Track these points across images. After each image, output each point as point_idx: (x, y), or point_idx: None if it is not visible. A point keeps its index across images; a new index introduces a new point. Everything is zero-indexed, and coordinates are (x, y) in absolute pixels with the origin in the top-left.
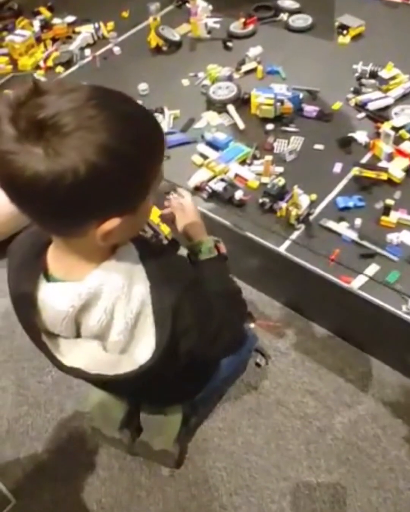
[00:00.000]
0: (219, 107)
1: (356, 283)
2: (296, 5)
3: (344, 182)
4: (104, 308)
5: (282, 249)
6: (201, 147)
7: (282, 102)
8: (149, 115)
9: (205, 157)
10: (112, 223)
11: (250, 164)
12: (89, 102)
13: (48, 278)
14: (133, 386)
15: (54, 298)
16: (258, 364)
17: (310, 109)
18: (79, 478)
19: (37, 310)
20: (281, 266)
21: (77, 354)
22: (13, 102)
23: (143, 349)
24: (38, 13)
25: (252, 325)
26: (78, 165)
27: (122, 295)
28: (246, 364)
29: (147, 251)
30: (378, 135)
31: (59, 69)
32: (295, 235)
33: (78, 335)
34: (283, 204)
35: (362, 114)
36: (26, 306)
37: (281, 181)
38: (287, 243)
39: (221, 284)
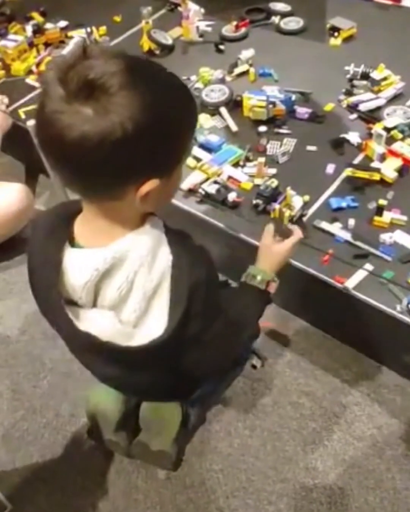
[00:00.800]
0: (212, 109)
1: (350, 283)
2: (288, 8)
3: (337, 183)
4: (126, 275)
5: None
6: (195, 150)
7: (274, 104)
8: (184, 84)
9: (198, 159)
10: (152, 184)
11: (243, 166)
12: (134, 66)
13: (73, 244)
14: (139, 374)
15: (79, 263)
16: (253, 366)
17: (302, 111)
18: (75, 482)
19: (60, 275)
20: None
21: (92, 322)
22: (62, 64)
23: (156, 324)
24: (31, 18)
25: None
26: (126, 122)
27: (146, 264)
28: (243, 365)
29: (175, 233)
30: (370, 136)
31: None
32: None
33: (94, 305)
34: (276, 206)
35: (354, 115)
36: (50, 271)
37: (274, 183)
38: None
39: (242, 315)
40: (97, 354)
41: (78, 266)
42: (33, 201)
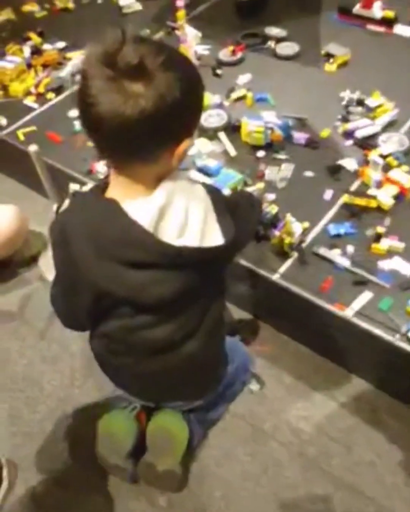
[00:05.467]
0: (210, 134)
1: (349, 311)
2: (283, 33)
3: (334, 209)
4: (182, 206)
5: (276, 277)
6: (193, 174)
7: (272, 129)
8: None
9: None
10: (187, 143)
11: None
12: (165, 49)
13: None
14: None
15: (138, 208)
16: (251, 390)
17: (299, 137)
18: (73, 509)
19: (129, 215)
20: (275, 293)
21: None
22: (108, 48)
23: (216, 233)
24: (28, 38)
25: (245, 349)
26: (171, 92)
27: (192, 196)
28: (243, 382)
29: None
30: (366, 162)
31: (51, 95)
32: (288, 262)
33: None
34: (277, 232)
35: (350, 142)
36: (117, 219)
37: (274, 209)
38: (281, 271)
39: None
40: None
41: (136, 214)
42: (26, 223)
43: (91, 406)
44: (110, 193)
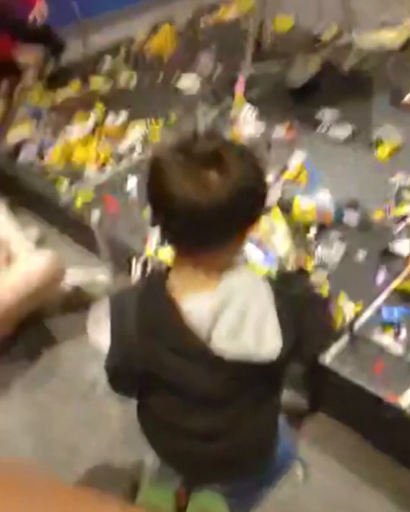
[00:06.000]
0: (264, 211)
1: (404, 401)
2: (336, 117)
3: (386, 293)
4: (240, 306)
5: (327, 359)
6: (248, 246)
7: (324, 210)
8: None
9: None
10: (253, 228)
11: None
12: (233, 141)
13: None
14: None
15: (196, 306)
16: (296, 475)
17: (352, 218)
18: None
19: (183, 320)
20: (325, 376)
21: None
22: (183, 140)
23: (273, 340)
24: (93, 109)
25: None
26: (244, 180)
27: (254, 295)
28: (287, 467)
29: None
30: None
31: (111, 163)
32: (339, 344)
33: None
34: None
35: (402, 226)
36: (171, 319)
37: (325, 288)
38: (332, 352)
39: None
40: (225, 374)
41: (196, 310)
42: (63, 269)
43: (128, 473)
44: (173, 281)
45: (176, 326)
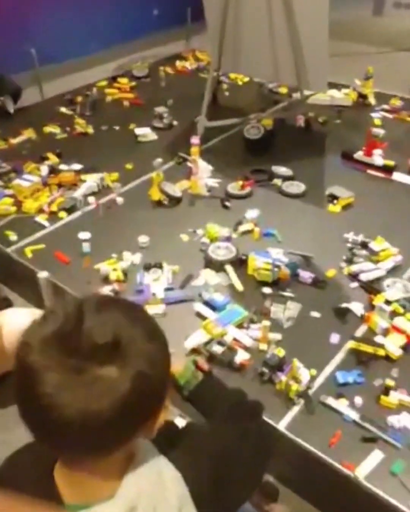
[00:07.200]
0: (217, 266)
1: (360, 472)
2: (289, 172)
3: (341, 354)
4: None
5: (282, 426)
6: (198, 306)
7: (279, 267)
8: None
9: (202, 317)
10: (162, 416)
11: (247, 328)
12: (126, 317)
13: (69, 507)
14: None
15: None
16: None
17: (306, 275)
18: None
19: None
20: (280, 445)
21: None
22: (62, 326)
23: None
24: (47, 158)
25: None
26: (146, 371)
27: (161, 498)
28: None
29: (163, 441)
30: (372, 307)
31: (63, 214)
32: (294, 410)
33: None
34: (283, 377)
35: (355, 284)
36: None
37: (281, 352)
38: (287, 419)
39: (225, 404)
40: None
41: None
42: None
43: None
44: (57, 475)
45: None
